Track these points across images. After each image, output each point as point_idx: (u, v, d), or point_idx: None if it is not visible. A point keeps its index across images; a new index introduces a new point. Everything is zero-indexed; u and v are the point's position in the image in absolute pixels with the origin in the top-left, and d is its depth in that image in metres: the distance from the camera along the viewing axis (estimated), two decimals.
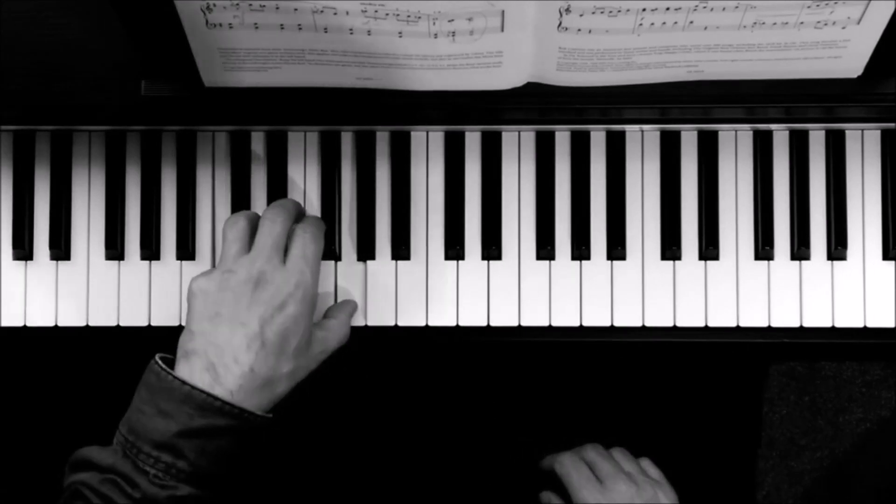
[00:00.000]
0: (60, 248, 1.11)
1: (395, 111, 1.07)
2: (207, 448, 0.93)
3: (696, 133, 1.11)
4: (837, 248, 1.09)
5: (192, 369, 0.95)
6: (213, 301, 0.97)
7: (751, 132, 1.11)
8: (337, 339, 1.05)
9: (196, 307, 0.98)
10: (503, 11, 0.91)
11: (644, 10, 0.91)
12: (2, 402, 1.40)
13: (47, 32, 1.02)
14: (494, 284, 1.10)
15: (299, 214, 1.06)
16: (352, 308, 1.09)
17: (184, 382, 0.94)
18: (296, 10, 0.92)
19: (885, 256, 1.10)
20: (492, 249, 1.10)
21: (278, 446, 1.36)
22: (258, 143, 1.12)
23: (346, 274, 1.11)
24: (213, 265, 1.11)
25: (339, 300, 1.10)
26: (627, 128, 1.11)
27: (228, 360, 0.95)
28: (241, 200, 1.11)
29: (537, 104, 1.03)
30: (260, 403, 0.96)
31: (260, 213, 1.04)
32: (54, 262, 1.11)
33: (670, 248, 1.10)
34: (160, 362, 0.96)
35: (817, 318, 1.10)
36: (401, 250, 1.10)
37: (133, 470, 0.93)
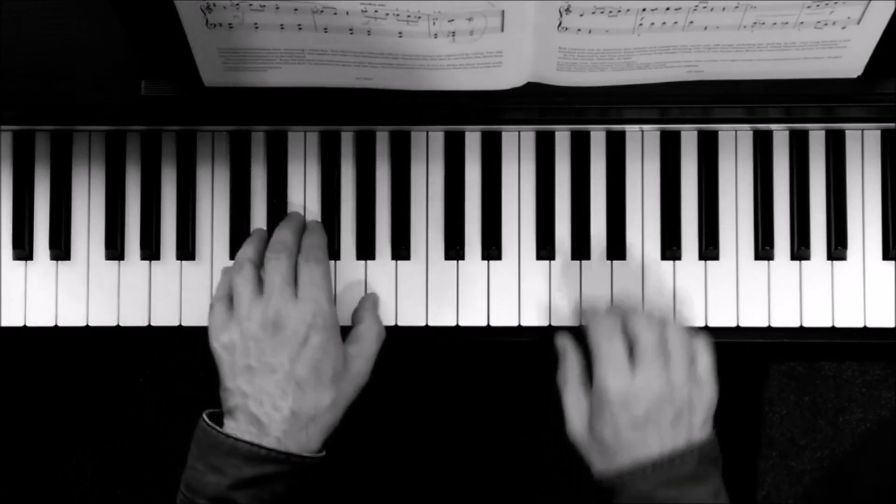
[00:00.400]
0: (60, 248, 1.11)
1: (395, 111, 1.07)
2: (262, 496, 0.95)
3: (696, 133, 1.11)
4: (837, 248, 1.09)
5: (238, 425, 0.97)
6: (240, 354, 0.98)
7: (751, 132, 1.11)
8: (373, 342, 1.04)
9: (225, 365, 0.99)
10: (503, 11, 0.91)
11: (644, 10, 0.91)
12: (2, 402, 1.40)
13: (47, 32, 1.02)
14: (494, 284, 1.10)
15: (302, 227, 1.07)
16: (372, 302, 1.09)
17: (228, 436, 0.96)
18: (296, 10, 0.92)
19: (885, 256, 1.10)
20: (492, 249, 1.10)
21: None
22: (258, 143, 1.12)
23: (346, 274, 1.11)
24: (212, 265, 1.11)
25: (338, 300, 1.10)
26: (627, 128, 1.11)
27: (268, 408, 0.96)
28: (240, 200, 1.11)
29: (537, 104, 1.03)
30: (309, 441, 0.98)
31: (254, 246, 1.04)
32: (54, 262, 1.11)
33: (670, 248, 1.10)
34: (207, 419, 0.97)
35: (817, 318, 1.10)
36: (401, 250, 1.10)
37: None
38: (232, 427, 0.97)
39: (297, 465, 0.96)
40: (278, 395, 0.97)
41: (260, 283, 1.01)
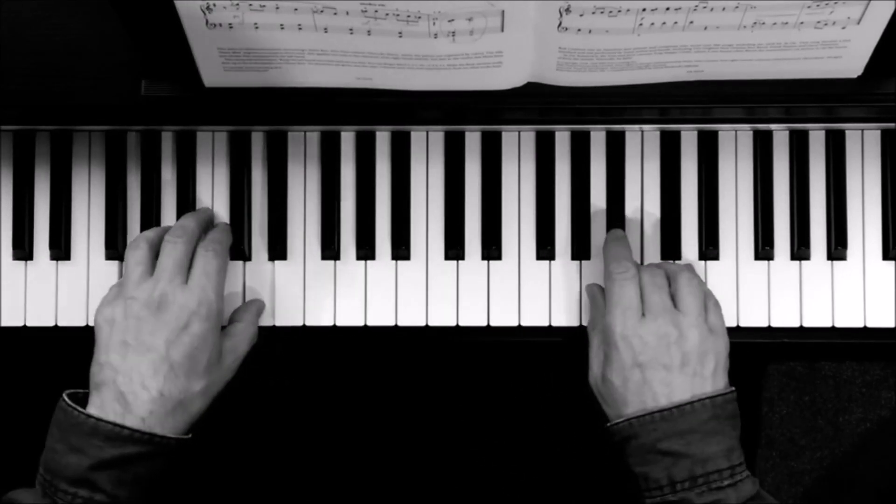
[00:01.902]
0: (60, 248, 1.11)
1: (395, 111, 1.07)
2: (124, 477, 0.94)
3: (696, 133, 1.11)
4: (837, 248, 1.09)
5: (102, 401, 0.96)
6: (119, 329, 0.98)
7: (751, 132, 1.11)
8: (246, 342, 1.05)
9: (102, 338, 0.99)
10: (503, 11, 0.91)
11: (644, 10, 0.91)
12: (2, 402, 1.40)
13: (47, 32, 1.02)
14: (494, 284, 1.10)
15: (208, 226, 1.07)
16: (257, 308, 1.09)
17: (89, 416, 0.94)
18: (296, 10, 0.92)
19: (885, 256, 1.10)
20: (492, 249, 1.10)
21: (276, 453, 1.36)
22: (258, 144, 1.12)
23: (346, 274, 1.11)
24: None
25: (338, 300, 1.10)
26: (627, 128, 1.11)
27: (137, 387, 0.95)
28: (239, 200, 1.11)
29: (537, 104, 1.03)
30: (175, 426, 0.97)
31: (160, 230, 1.04)
32: (54, 262, 1.11)
33: (671, 248, 1.10)
34: (67, 399, 0.96)
35: (817, 318, 1.10)
36: (401, 250, 1.10)
37: None
38: (97, 404, 0.96)
39: (162, 446, 0.95)
40: (149, 374, 0.96)
41: (153, 264, 1.01)
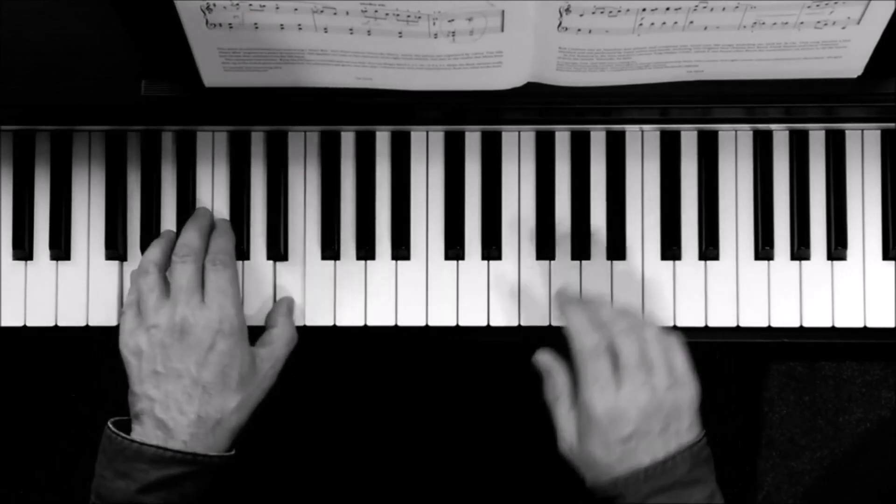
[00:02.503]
0: (60, 248, 1.11)
1: (395, 111, 1.07)
2: (171, 498, 0.95)
3: (696, 133, 1.11)
4: (837, 248, 1.09)
5: (144, 430, 0.98)
6: (148, 359, 0.99)
7: (751, 132, 1.11)
8: (284, 346, 1.05)
9: (133, 370, 1.00)
10: (503, 11, 0.91)
11: (644, 10, 0.91)
12: (2, 402, 1.40)
13: (47, 32, 1.02)
14: (494, 284, 1.10)
15: (210, 229, 1.07)
16: (286, 306, 1.09)
17: (132, 441, 0.96)
18: (296, 10, 0.92)
19: (885, 256, 1.10)
20: (492, 249, 1.10)
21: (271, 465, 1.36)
22: (258, 144, 1.12)
23: (346, 274, 1.11)
24: None
25: (338, 300, 1.10)
26: (627, 128, 1.11)
27: (175, 413, 0.97)
28: (239, 200, 1.11)
29: (537, 104, 1.03)
30: (216, 443, 0.98)
31: (161, 248, 1.04)
32: (54, 262, 1.11)
33: (670, 248, 1.10)
34: (111, 427, 0.98)
35: (817, 318, 1.10)
36: (401, 250, 1.10)
37: None
38: (139, 432, 0.98)
39: (205, 464, 0.97)
40: (184, 399, 0.97)
41: (166, 286, 1.02)
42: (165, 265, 1.03)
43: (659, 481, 0.94)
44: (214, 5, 0.91)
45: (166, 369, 0.98)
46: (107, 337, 1.09)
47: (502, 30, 0.93)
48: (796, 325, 1.10)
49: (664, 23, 0.93)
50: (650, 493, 0.94)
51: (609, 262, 1.10)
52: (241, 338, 1.01)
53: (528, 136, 1.11)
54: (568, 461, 1.01)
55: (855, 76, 1.01)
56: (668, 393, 0.97)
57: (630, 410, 0.96)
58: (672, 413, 0.96)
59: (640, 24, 0.93)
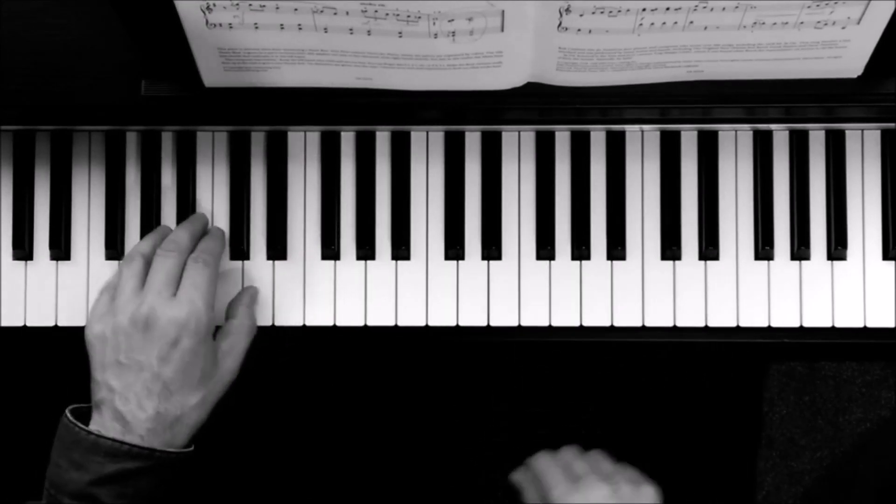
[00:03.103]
0: (60, 248, 1.11)
1: (395, 111, 1.07)
2: (125, 492, 0.94)
3: (696, 133, 1.11)
4: (837, 248, 1.09)
5: (103, 420, 0.97)
6: (111, 348, 0.98)
7: (751, 132, 1.11)
8: (244, 338, 1.04)
9: (96, 356, 0.99)
10: (503, 11, 0.91)
11: (644, 10, 0.91)
12: (2, 402, 1.40)
13: (47, 32, 1.02)
14: (494, 284, 1.10)
15: (202, 235, 1.06)
16: (249, 296, 1.08)
17: (89, 432, 0.95)
18: (296, 10, 0.92)
19: (885, 256, 1.10)
20: (492, 249, 1.10)
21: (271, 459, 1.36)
22: (258, 143, 1.12)
23: (346, 274, 1.11)
24: None
25: (338, 300, 1.10)
26: (627, 128, 1.11)
27: (133, 406, 0.96)
28: (239, 200, 1.11)
29: (537, 104, 1.03)
30: (174, 439, 0.97)
31: (152, 241, 1.04)
32: (54, 262, 1.11)
33: (670, 248, 1.10)
34: (69, 416, 0.97)
35: (817, 318, 1.10)
36: (401, 250, 1.10)
37: None
38: (97, 422, 0.97)
39: (162, 460, 0.96)
40: (144, 394, 0.96)
41: (146, 277, 1.01)
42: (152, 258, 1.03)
43: None
44: (214, 5, 0.91)
45: (129, 360, 0.97)
46: None
47: (502, 30, 0.93)
48: (796, 325, 1.10)
49: (664, 23, 0.93)
50: None
51: (609, 262, 1.10)
52: (206, 337, 1.00)
53: (528, 136, 1.11)
54: None
55: (855, 76, 1.01)
56: (627, 487, 0.98)
57: None
58: None
59: (640, 24, 0.93)
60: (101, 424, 0.96)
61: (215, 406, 1.00)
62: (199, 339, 0.98)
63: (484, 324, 1.10)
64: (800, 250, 1.10)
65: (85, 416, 0.98)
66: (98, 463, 0.94)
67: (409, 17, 0.92)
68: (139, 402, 0.96)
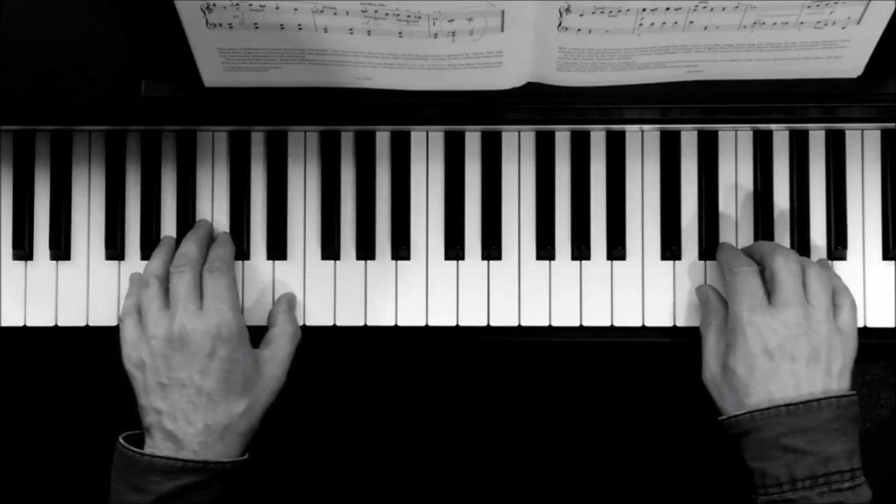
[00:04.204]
0: (60, 248, 1.11)
1: (395, 111, 1.07)
2: None
3: (695, 133, 1.11)
4: (837, 248, 1.09)
5: (154, 443, 0.98)
6: (151, 372, 0.99)
7: (751, 132, 1.11)
8: (287, 343, 1.05)
9: (139, 384, 1.00)
10: (503, 11, 0.91)
11: (644, 10, 0.91)
12: (2, 402, 1.40)
13: (47, 32, 1.02)
14: (494, 284, 1.10)
15: (209, 240, 1.07)
16: (287, 302, 1.08)
17: (143, 454, 0.97)
18: (296, 10, 0.92)
19: (885, 256, 1.10)
20: (492, 249, 1.10)
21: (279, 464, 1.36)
22: (258, 143, 1.12)
23: (346, 274, 1.11)
24: None
25: (337, 300, 1.10)
26: (627, 128, 1.11)
27: (182, 423, 0.97)
28: (239, 200, 1.11)
29: (537, 104, 1.03)
30: (227, 450, 0.99)
31: (161, 259, 1.05)
32: (54, 262, 1.11)
33: (670, 248, 1.10)
34: (122, 441, 0.98)
35: None
36: (401, 250, 1.10)
37: None
38: (150, 445, 0.98)
39: (217, 471, 0.97)
40: (190, 409, 0.98)
41: (167, 297, 1.02)
42: (166, 276, 1.04)
43: (799, 420, 0.92)
44: (214, 5, 0.91)
45: (170, 380, 0.98)
46: (107, 337, 1.09)
47: (502, 30, 0.93)
48: None
49: (664, 23, 0.93)
50: (787, 432, 0.92)
51: (609, 262, 1.10)
52: (241, 341, 1.01)
53: (528, 136, 1.12)
54: (708, 390, 1.00)
55: (855, 76, 1.01)
56: (822, 325, 0.96)
57: (778, 324, 0.95)
58: (823, 346, 0.95)
59: (640, 24, 0.93)
60: (154, 447, 0.98)
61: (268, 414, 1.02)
62: (233, 345, 0.99)
63: (484, 324, 1.10)
64: (800, 250, 1.10)
65: (137, 441, 0.99)
66: (155, 482, 0.95)
67: (409, 17, 0.92)
68: (187, 417, 0.97)
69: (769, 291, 0.98)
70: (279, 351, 1.04)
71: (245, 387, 1.00)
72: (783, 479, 0.93)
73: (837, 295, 1.00)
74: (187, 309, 1.00)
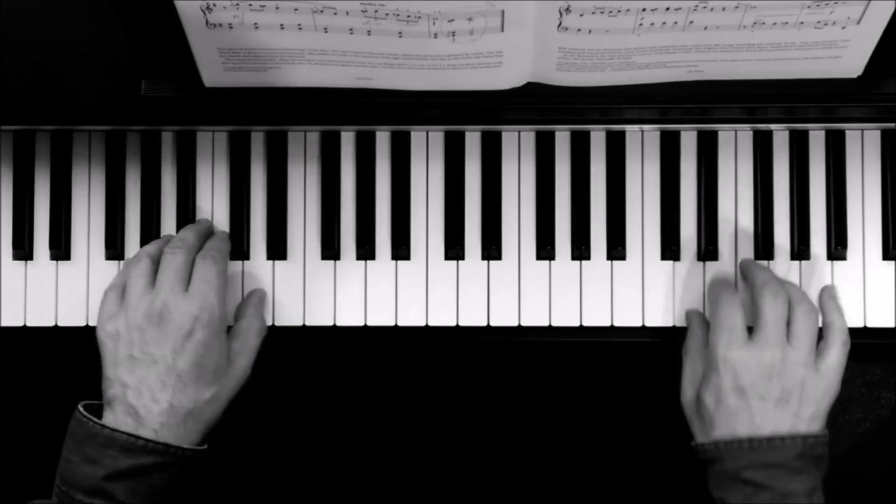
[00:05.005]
0: (60, 248, 1.11)
1: (395, 111, 1.07)
2: (139, 488, 0.94)
3: (695, 133, 1.11)
4: (837, 248, 1.09)
5: (115, 416, 0.96)
6: (124, 343, 0.98)
7: (751, 132, 1.11)
8: (254, 337, 1.05)
9: (108, 354, 0.99)
10: (503, 11, 0.91)
11: (644, 10, 0.91)
12: (2, 401, 1.40)
13: (47, 32, 1.02)
14: (494, 284, 1.10)
15: (207, 237, 1.07)
16: (257, 297, 1.08)
17: (104, 426, 0.95)
18: (296, 10, 0.92)
19: (885, 256, 1.10)
20: (492, 249, 1.10)
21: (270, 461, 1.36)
22: (258, 143, 1.12)
23: (346, 274, 1.11)
24: None
25: (338, 300, 1.10)
26: (627, 128, 1.11)
27: (147, 400, 0.96)
28: (239, 200, 1.11)
29: (537, 104, 1.03)
30: (188, 436, 0.97)
31: (159, 245, 1.04)
32: (54, 262, 1.11)
33: (670, 248, 1.10)
34: (82, 410, 0.97)
35: (818, 317, 1.10)
36: (401, 250, 1.10)
37: None
38: (109, 419, 0.96)
39: (176, 456, 0.95)
40: (158, 387, 0.96)
41: (154, 277, 1.01)
42: (159, 259, 1.03)
43: (760, 455, 0.93)
44: (214, 5, 0.91)
45: (142, 354, 0.97)
46: None
47: (502, 30, 0.93)
48: None
49: (664, 23, 0.93)
50: (747, 465, 0.93)
51: (609, 262, 1.10)
52: (219, 330, 1.00)
53: (528, 136, 1.12)
54: (685, 415, 1.01)
55: (855, 76, 1.01)
56: (798, 368, 0.96)
57: (752, 362, 0.95)
58: (796, 390, 0.95)
59: (640, 24, 0.93)
60: (114, 419, 0.96)
61: (227, 408, 1.01)
62: (212, 332, 0.99)
63: (484, 324, 1.10)
64: (800, 250, 1.10)
65: (96, 412, 0.98)
66: (112, 457, 0.94)
67: (409, 17, 0.92)
68: (153, 394, 0.96)
69: (753, 322, 0.99)
70: (247, 343, 1.04)
71: (215, 375, 0.99)
72: None
73: (831, 334, 0.99)
74: (173, 289, 0.99)
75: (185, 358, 0.97)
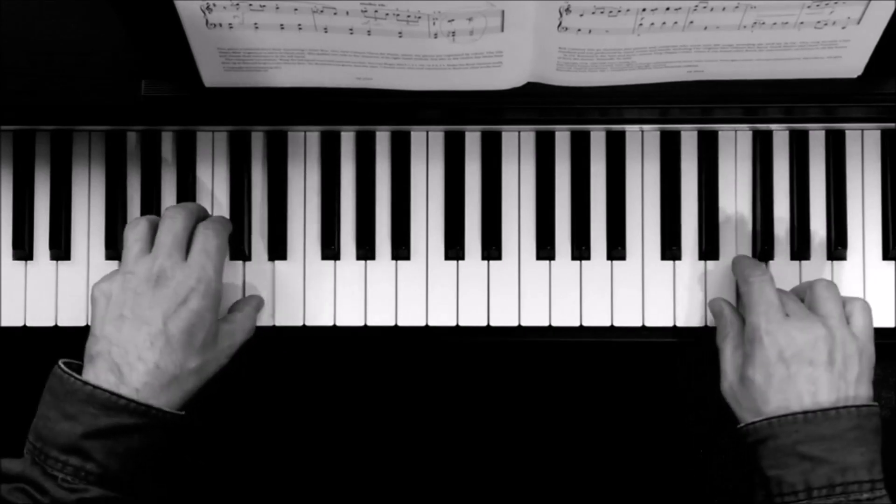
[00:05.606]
0: (60, 248, 1.11)
1: (395, 111, 1.07)
2: (116, 449, 0.93)
3: (696, 133, 1.11)
4: (837, 248, 1.09)
5: (96, 372, 0.95)
6: (116, 303, 0.97)
7: (751, 132, 1.11)
8: (243, 333, 1.04)
9: (98, 311, 0.98)
10: (503, 11, 0.91)
11: (644, 10, 0.91)
12: (2, 402, 1.40)
13: (47, 32, 1.02)
14: (494, 284, 1.10)
15: (202, 216, 1.07)
16: (257, 303, 1.09)
17: (86, 383, 0.93)
18: (296, 10, 0.92)
19: (885, 256, 1.10)
20: (492, 249, 1.10)
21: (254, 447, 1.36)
22: (258, 143, 1.12)
23: (346, 274, 1.11)
24: None
25: (338, 300, 1.10)
26: (627, 128, 1.11)
27: (132, 358, 0.95)
28: (239, 200, 1.11)
29: (537, 104, 1.03)
30: (169, 400, 0.96)
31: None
32: (54, 262, 1.11)
33: (670, 248, 1.10)
34: (63, 366, 0.95)
35: None
36: (401, 250, 1.10)
37: (41, 476, 0.92)
38: (90, 375, 0.94)
39: (157, 419, 0.94)
40: (146, 346, 0.95)
41: (152, 242, 1.01)
42: (157, 225, 1.03)
43: (817, 428, 0.91)
44: (214, 5, 0.91)
45: (133, 314, 0.96)
46: None
47: (502, 30, 0.93)
48: None
49: (664, 23, 0.93)
50: (804, 439, 0.91)
51: (609, 262, 1.10)
52: (213, 304, 0.99)
53: (528, 136, 1.12)
54: (727, 402, 1.00)
55: (855, 76, 1.01)
56: (838, 331, 0.96)
57: (795, 330, 0.96)
58: (839, 352, 0.95)
59: (640, 24, 0.93)
60: (94, 377, 0.94)
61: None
62: (206, 304, 0.98)
63: (484, 324, 1.10)
64: (800, 250, 1.10)
65: (77, 371, 0.96)
66: (92, 415, 0.92)
67: (409, 17, 0.92)
68: (139, 353, 0.95)
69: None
70: (236, 332, 1.03)
71: (202, 347, 0.98)
72: (799, 488, 0.92)
73: (847, 303, 1.01)
74: (171, 255, 0.99)
75: (177, 323, 0.96)
